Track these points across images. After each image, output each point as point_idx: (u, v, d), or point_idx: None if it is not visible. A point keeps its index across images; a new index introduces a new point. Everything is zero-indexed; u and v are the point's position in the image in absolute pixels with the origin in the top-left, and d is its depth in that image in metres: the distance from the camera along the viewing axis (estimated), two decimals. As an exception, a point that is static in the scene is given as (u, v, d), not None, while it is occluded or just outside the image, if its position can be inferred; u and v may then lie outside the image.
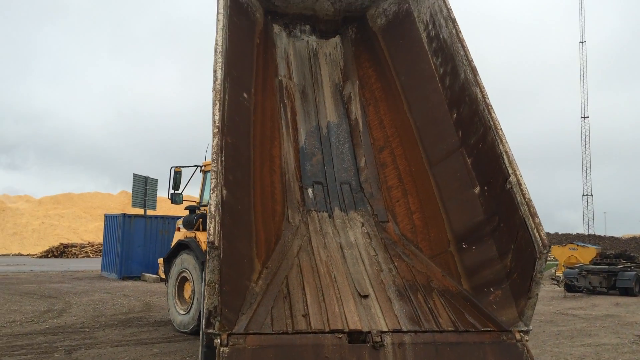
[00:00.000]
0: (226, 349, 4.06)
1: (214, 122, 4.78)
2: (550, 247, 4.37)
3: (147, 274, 22.10)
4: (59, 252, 47.50)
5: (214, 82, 5.11)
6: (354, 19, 7.78)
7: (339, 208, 6.17)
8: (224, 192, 4.83)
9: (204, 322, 4.11)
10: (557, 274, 23.30)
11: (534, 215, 4.54)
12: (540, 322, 13.43)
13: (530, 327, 4.56)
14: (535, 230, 4.44)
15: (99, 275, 25.05)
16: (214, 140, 4.63)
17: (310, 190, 6.28)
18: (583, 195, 62.92)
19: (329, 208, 6.16)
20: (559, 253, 26.09)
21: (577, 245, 25.98)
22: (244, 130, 5.89)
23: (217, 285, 3.96)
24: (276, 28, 7.63)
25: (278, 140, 6.50)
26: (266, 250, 5.29)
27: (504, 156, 4.99)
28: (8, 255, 54.24)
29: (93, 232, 62.13)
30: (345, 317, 4.53)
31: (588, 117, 62.47)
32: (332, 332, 4.34)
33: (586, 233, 61.83)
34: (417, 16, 6.87)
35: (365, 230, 5.91)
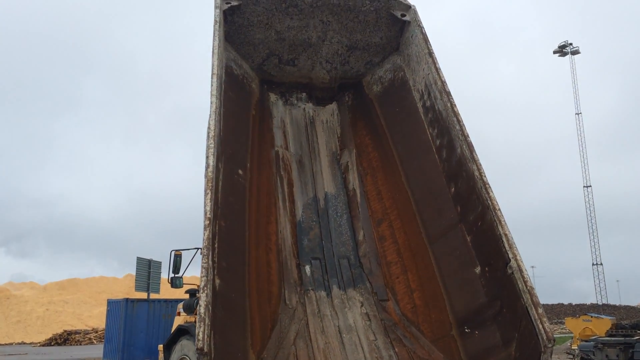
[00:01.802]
0: None
1: (205, 214, 4.72)
2: (554, 340, 4.25)
3: (150, 361, 21.47)
4: (62, 340, 46.50)
5: (206, 169, 5.08)
6: (350, 86, 7.84)
7: (337, 286, 6.07)
8: (217, 281, 4.77)
9: None
10: (572, 347, 22.54)
11: (536, 305, 4.44)
12: (557, 400, 12.84)
13: None
14: (538, 322, 4.32)
15: (101, 363, 24.31)
16: (204, 234, 4.55)
17: (307, 268, 6.20)
18: (593, 264, 61.92)
19: (327, 286, 6.06)
20: (573, 325, 25.36)
21: (591, 317, 25.27)
22: (238, 211, 5.90)
23: None
24: (272, 97, 7.63)
25: (274, 215, 6.47)
26: (261, 338, 5.16)
27: (504, 239, 4.92)
28: (11, 344, 53.12)
29: (97, 317, 61.01)
30: None
31: (590, 186, 62.56)
32: None
33: (599, 302, 60.32)
34: (413, 85, 6.93)
35: (365, 311, 5.78)
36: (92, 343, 44.37)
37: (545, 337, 4.21)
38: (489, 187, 5.31)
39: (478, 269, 5.25)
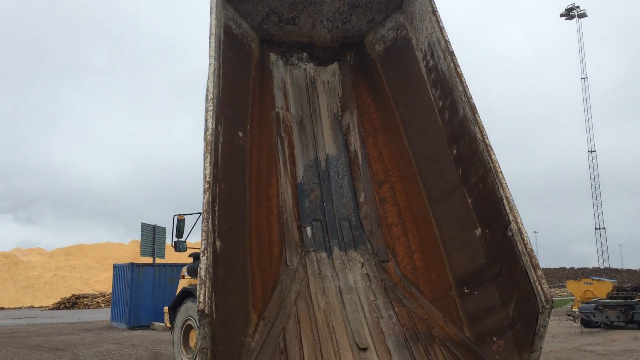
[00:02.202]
0: None
1: (205, 177, 4.71)
2: (553, 302, 4.27)
3: (157, 323, 21.87)
4: (70, 304, 47.23)
5: (205, 132, 5.05)
6: (352, 45, 7.70)
7: (338, 247, 6.09)
8: (218, 244, 4.80)
9: None
10: (573, 310, 22.79)
11: (535, 267, 4.44)
12: (557, 359, 13.03)
13: None
14: (537, 284, 4.33)
15: (109, 325, 24.79)
16: (204, 197, 4.55)
17: (308, 229, 6.22)
18: (595, 229, 62.07)
19: (328, 247, 6.08)
20: (574, 288, 25.59)
21: (593, 280, 25.48)
22: (239, 173, 5.89)
23: (209, 352, 3.92)
24: (273, 57, 7.50)
25: (275, 177, 6.46)
26: (263, 299, 5.21)
27: (505, 201, 4.90)
28: (20, 308, 54.04)
29: (105, 282, 61.88)
30: None
31: (595, 151, 62.24)
32: None
33: (601, 266, 60.74)
34: (416, 45, 6.80)
35: (365, 272, 5.82)
36: (100, 307, 45.07)
37: (543, 298, 4.23)
38: (491, 149, 5.26)
39: (478, 231, 5.25)
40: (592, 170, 62.00)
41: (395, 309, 5.30)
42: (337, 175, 6.84)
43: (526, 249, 4.54)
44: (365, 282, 5.67)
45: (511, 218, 4.77)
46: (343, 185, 6.75)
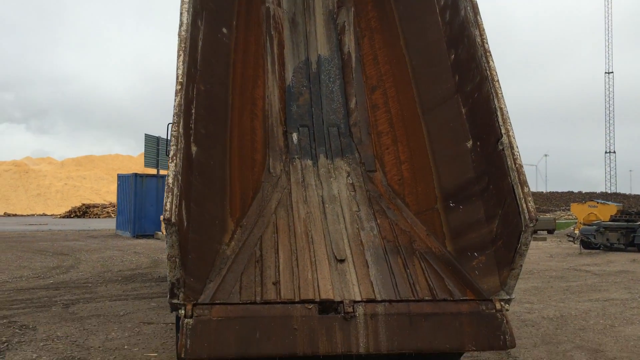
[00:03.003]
0: (190, 321, 3.86)
1: (177, 78, 4.34)
2: (537, 220, 4.00)
3: (160, 232, 22.22)
4: (81, 212, 48.30)
5: (180, 27, 4.61)
6: None
7: (324, 155, 5.81)
8: (194, 149, 4.55)
9: (168, 293, 3.90)
10: (574, 232, 22.83)
11: (523, 183, 4.15)
12: (550, 277, 13.11)
13: (513, 296, 4.28)
14: (523, 201, 4.06)
15: (115, 234, 25.32)
16: (175, 100, 4.19)
17: (295, 135, 5.91)
18: (606, 152, 61.44)
19: (314, 155, 5.80)
20: (578, 210, 25.56)
21: (597, 203, 25.39)
22: (221, 74, 5.53)
23: (177, 259, 3.75)
24: None
25: (262, 79, 6.07)
26: (242, 206, 4.99)
27: (498, 113, 4.53)
28: (32, 215, 55.36)
29: (114, 193, 63.06)
30: (318, 285, 4.26)
31: (612, 72, 60.45)
32: (302, 302, 4.09)
33: (609, 191, 60.68)
34: None
35: (351, 181, 5.57)
36: (110, 216, 46.00)
37: (527, 217, 3.99)
38: (490, 55, 4.85)
39: (470, 143, 4.94)
40: (607, 92, 60.54)
41: (378, 221, 5.08)
42: (328, 78, 6.43)
43: (515, 165, 4.24)
44: (349, 192, 5.42)
45: (503, 131, 4.43)
46: (334, 90, 6.36)
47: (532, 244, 25.81)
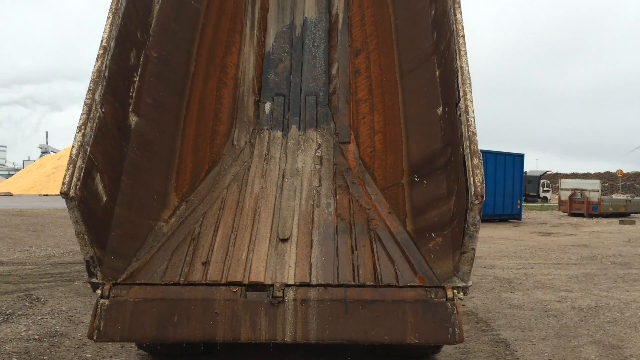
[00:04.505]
0: (105, 301, 3.66)
1: (101, 41, 4.01)
2: (483, 197, 3.35)
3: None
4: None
5: None
6: None
7: (296, 126, 5.36)
8: (135, 119, 4.29)
9: (86, 272, 3.70)
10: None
11: (473, 154, 3.55)
12: (612, 264, 12.00)
13: (469, 283, 3.72)
14: (470, 174, 3.47)
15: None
16: (95, 65, 3.88)
17: (268, 105, 5.49)
18: None
19: (286, 126, 5.36)
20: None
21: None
22: (183, 40, 5.18)
23: (85, 236, 3.50)
24: None
25: (238, 45, 5.67)
26: (191, 181, 4.66)
27: (458, 73, 3.92)
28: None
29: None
30: (250, 267, 3.89)
31: None
32: (228, 284, 3.75)
33: None
34: None
35: (319, 154, 5.09)
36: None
37: (473, 193, 3.38)
38: (459, 7, 4.19)
39: (440, 110, 4.34)
40: None
41: (337, 197, 4.59)
42: (312, 43, 5.93)
43: (468, 132, 3.63)
44: (315, 165, 4.96)
45: (461, 94, 3.80)
46: (317, 55, 5.86)
47: (615, 227, 23.94)
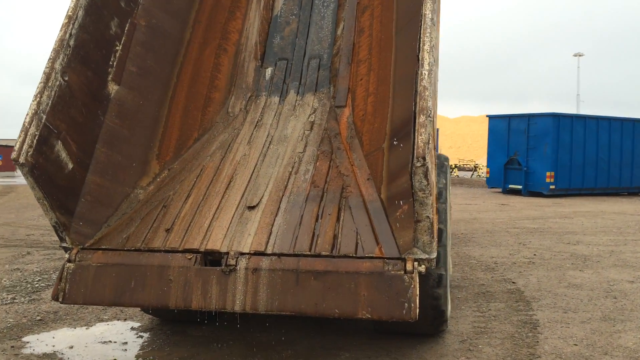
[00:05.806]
0: (71, 265, 3.77)
1: (67, 11, 4.05)
2: (425, 159, 2.96)
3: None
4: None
5: None
6: None
7: (295, 91, 5.13)
8: (114, 87, 4.32)
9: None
10: None
11: (421, 110, 3.20)
12: None
13: (432, 255, 3.38)
14: (416, 134, 3.15)
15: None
16: (58, 34, 3.93)
17: (269, 70, 5.31)
18: None
19: (284, 91, 5.16)
20: None
21: None
22: (179, 9, 5.14)
23: (45, 202, 3.61)
24: None
25: (243, 10, 5.53)
26: (177, 149, 4.64)
27: (422, 20, 3.54)
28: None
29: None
30: (210, 235, 3.82)
31: None
32: (184, 251, 3.73)
33: None
34: None
35: (312, 119, 4.84)
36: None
37: (415, 154, 3.00)
38: None
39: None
40: None
41: (317, 163, 4.33)
42: (322, 3, 5.62)
43: (419, 86, 3.20)
44: (305, 131, 4.71)
45: (420, 44, 3.37)
46: (326, 15, 5.54)
47: None
